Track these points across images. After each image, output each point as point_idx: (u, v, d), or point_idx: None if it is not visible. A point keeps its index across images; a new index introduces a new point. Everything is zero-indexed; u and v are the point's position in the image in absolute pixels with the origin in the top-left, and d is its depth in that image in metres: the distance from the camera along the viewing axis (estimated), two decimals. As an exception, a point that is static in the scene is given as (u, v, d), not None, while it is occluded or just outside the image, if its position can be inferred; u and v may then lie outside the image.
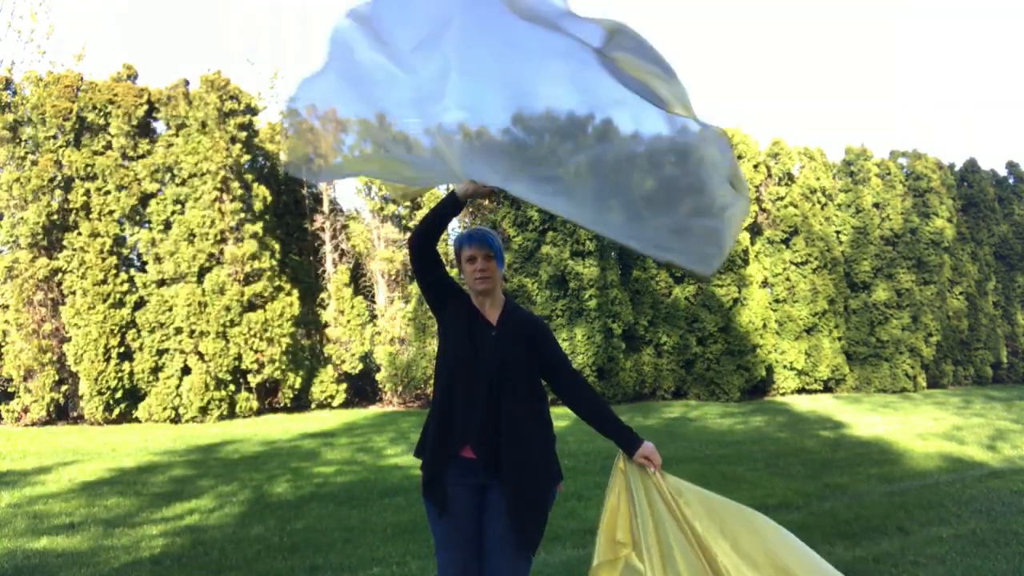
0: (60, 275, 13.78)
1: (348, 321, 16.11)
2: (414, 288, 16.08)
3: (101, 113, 14.00)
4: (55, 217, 13.71)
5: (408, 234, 16.54)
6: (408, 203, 16.66)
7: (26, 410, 13.52)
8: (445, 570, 2.70)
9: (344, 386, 15.87)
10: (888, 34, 70.05)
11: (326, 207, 16.65)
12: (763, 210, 17.81)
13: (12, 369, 13.36)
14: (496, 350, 2.75)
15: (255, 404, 14.45)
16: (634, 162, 2.60)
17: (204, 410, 13.63)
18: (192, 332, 13.74)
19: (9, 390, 13.94)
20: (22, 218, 13.48)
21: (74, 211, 13.90)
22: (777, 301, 17.53)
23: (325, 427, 12.34)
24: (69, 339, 13.65)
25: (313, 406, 15.52)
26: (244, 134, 14.40)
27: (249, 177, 14.68)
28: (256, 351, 14.05)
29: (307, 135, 2.73)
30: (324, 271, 16.55)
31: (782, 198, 17.54)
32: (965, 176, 20.93)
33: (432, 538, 2.82)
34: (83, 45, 23.19)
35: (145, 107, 14.20)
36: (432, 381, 15.75)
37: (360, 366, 16.09)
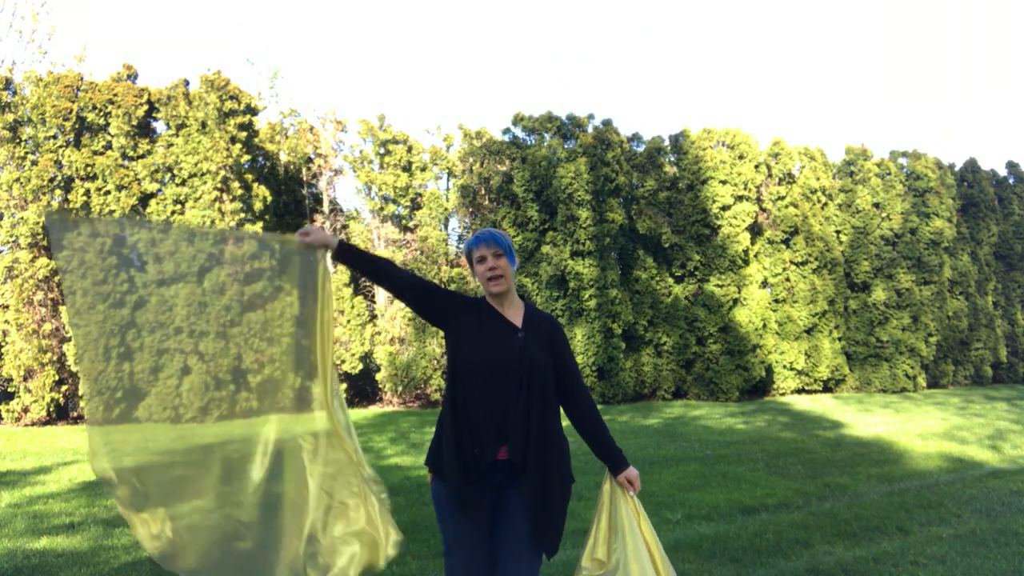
0: (60, 275, 13.78)
1: (348, 321, 16.11)
2: (414, 288, 16.08)
3: (101, 113, 14.00)
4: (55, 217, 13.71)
5: (408, 234, 16.65)
6: (408, 204, 16.66)
7: (26, 410, 13.52)
8: (456, 570, 2.68)
9: (344, 386, 15.86)
10: (888, 34, 70.05)
11: (326, 207, 16.65)
12: (763, 210, 17.81)
13: (12, 369, 13.35)
14: (524, 352, 2.72)
15: (255, 404, 14.44)
16: None
17: (204, 410, 13.63)
18: (192, 332, 13.75)
19: (9, 390, 13.94)
20: (22, 218, 13.48)
21: (74, 211, 13.90)
22: (777, 301, 17.53)
23: (325, 427, 12.32)
24: (69, 339, 13.65)
25: (313, 406, 15.51)
26: (244, 134, 14.40)
27: (249, 177, 14.68)
28: (256, 351, 14.04)
29: None
30: (324, 271, 16.53)
31: (782, 198, 17.54)
32: (965, 176, 20.94)
33: (441, 537, 2.79)
34: (84, 46, 23.23)
35: (145, 107, 14.20)
36: (431, 381, 15.77)
37: (360, 366, 16.10)
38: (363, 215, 17.03)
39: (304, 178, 16.77)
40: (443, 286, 2.99)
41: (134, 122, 14.07)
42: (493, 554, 2.69)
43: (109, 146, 14.15)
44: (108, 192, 13.96)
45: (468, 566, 2.66)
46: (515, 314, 2.82)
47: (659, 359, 16.70)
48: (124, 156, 14.14)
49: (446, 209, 16.68)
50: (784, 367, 17.29)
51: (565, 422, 2.93)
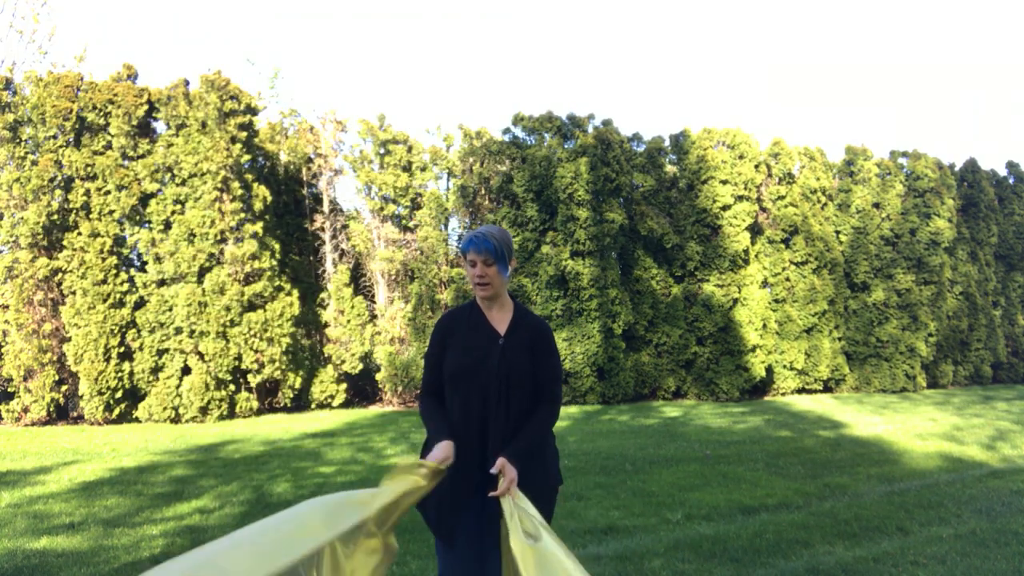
0: (60, 275, 13.78)
1: (348, 321, 16.11)
2: (414, 288, 16.09)
3: (101, 113, 14.01)
4: (55, 217, 13.71)
5: (408, 234, 16.65)
6: (408, 203, 16.67)
7: (26, 410, 13.52)
8: (448, 570, 2.68)
9: (344, 386, 15.87)
10: (889, 35, 70.06)
11: (326, 207, 16.65)
12: (763, 210, 17.81)
13: (12, 369, 13.36)
14: (504, 359, 2.71)
15: (255, 404, 14.46)
16: None
17: (204, 410, 13.64)
18: (192, 332, 13.75)
19: (9, 390, 13.94)
20: (22, 218, 13.49)
21: (74, 211, 13.91)
22: (777, 301, 17.53)
23: (325, 427, 12.34)
24: (69, 339, 13.65)
25: (313, 406, 15.52)
26: (244, 134, 14.40)
27: (249, 177, 14.68)
28: (256, 351, 14.05)
29: None
30: (324, 271, 16.55)
31: (782, 198, 17.54)
32: (965, 176, 20.94)
33: (433, 538, 2.81)
34: (84, 47, 23.18)
35: (145, 107, 14.20)
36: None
37: (360, 366, 16.10)
38: (363, 215, 17.03)
39: (304, 178, 16.77)
40: (434, 353, 2.89)
41: (134, 122, 14.07)
42: (483, 553, 2.69)
43: (109, 146, 14.15)
44: (108, 192, 13.96)
45: (461, 565, 2.66)
46: (502, 318, 2.80)
47: (659, 359, 16.70)
48: (124, 156, 14.14)
49: (446, 209, 16.68)
50: (784, 367, 17.30)
51: (563, 422, 2.92)
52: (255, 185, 14.71)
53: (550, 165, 16.07)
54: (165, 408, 13.66)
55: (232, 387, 13.99)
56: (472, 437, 2.68)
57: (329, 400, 15.56)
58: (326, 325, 16.24)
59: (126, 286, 13.97)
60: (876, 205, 18.75)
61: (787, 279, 17.54)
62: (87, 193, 13.92)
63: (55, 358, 13.72)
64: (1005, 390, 18.73)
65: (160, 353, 14.00)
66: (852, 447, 9.34)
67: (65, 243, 13.78)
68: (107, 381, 13.45)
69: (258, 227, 14.37)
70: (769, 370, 17.14)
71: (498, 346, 2.73)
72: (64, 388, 13.91)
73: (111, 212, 13.97)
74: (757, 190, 17.25)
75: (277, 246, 15.04)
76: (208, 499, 6.78)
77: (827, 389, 18.27)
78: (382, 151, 16.58)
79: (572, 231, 15.70)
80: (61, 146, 13.88)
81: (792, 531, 5.40)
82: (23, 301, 13.51)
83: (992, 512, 5.96)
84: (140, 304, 14.15)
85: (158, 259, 13.96)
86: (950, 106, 67.50)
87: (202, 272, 13.93)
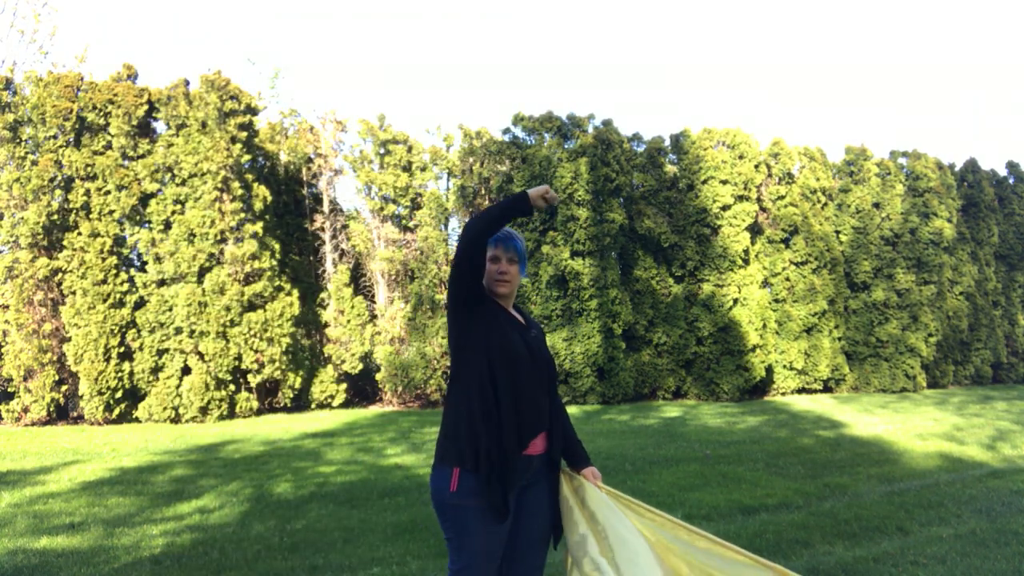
0: (60, 275, 13.78)
1: (348, 321, 16.11)
2: (414, 288, 16.09)
3: (101, 113, 14.01)
4: (55, 217, 13.71)
5: (408, 234, 16.64)
6: (408, 203, 16.68)
7: (26, 410, 13.52)
8: (491, 545, 2.59)
9: (344, 386, 15.87)
10: (889, 35, 70.08)
11: (326, 207, 16.65)
12: (763, 210, 17.81)
13: (12, 369, 13.36)
14: (542, 351, 2.81)
15: (255, 404, 14.46)
16: None
17: (204, 410, 13.64)
18: (192, 332, 13.75)
19: (9, 390, 13.94)
20: (22, 218, 13.49)
21: (74, 211, 13.91)
22: (777, 301, 17.53)
23: (325, 427, 12.34)
24: (69, 339, 13.65)
25: (313, 406, 15.52)
26: (244, 134, 14.40)
27: (249, 177, 14.69)
28: (256, 351, 14.05)
29: None
30: (324, 271, 16.55)
31: (782, 198, 17.54)
32: (965, 176, 20.93)
33: (459, 549, 2.59)
34: (85, 46, 23.07)
35: (145, 107, 14.20)
36: (431, 382, 15.77)
37: (360, 366, 16.10)
38: (363, 215, 17.03)
39: (304, 178, 16.78)
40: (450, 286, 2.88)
41: (134, 122, 14.07)
42: (508, 551, 2.67)
43: (109, 146, 14.15)
44: (108, 192, 13.96)
45: (489, 568, 2.60)
46: (517, 315, 2.88)
47: (659, 359, 16.70)
48: (124, 156, 14.15)
49: (446, 209, 16.68)
50: (784, 367, 17.29)
51: None
52: (255, 185, 14.71)
53: (550, 165, 16.07)
54: (165, 408, 13.66)
55: (232, 387, 13.99)
56: (532, 418, 2.64)
57: (329, 400, 15.56)
58: (326, 325, 16.24)
59: (126, 286, 13.97)
60: (876, 205, 18.75)
61: (787, 279, 17.54)
62: (87, 193, 13.92)
63: (55, 358, 13.72)
64: (1005, 390, 18.74)
65: (160, 353, 14.00)
66: (852, 447, 9.34)
67: (65, 243, 13.78)
68: (107, 381, 13.45)
69: (258, 227, 14.37)
70: (769, 370, 17.14)
71: (534, 338, 2.81)
72: (64, 388, 13.91)
73: (111, 212, 13.97)
74: (757, 190, 17.24)
75: (277, 246, 15.04)
76: (208, 499, 6.79)
77: (827, 389, 18.27)
78: (382, 151, 16.58)
79: (572, 231, 15.70)
80: (61, 146, 13.88)
81: (792, 531, 5.40)
82: (23, 301, 13.51)
83: (992, 512, 5.96)
84: (140, 304, 14.15)
85: (158, 259, 13.96)
86: (950, 106, 67.56)
87: (202, 272, 13.93)
